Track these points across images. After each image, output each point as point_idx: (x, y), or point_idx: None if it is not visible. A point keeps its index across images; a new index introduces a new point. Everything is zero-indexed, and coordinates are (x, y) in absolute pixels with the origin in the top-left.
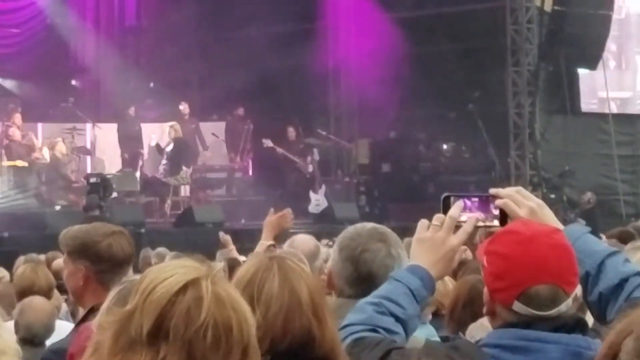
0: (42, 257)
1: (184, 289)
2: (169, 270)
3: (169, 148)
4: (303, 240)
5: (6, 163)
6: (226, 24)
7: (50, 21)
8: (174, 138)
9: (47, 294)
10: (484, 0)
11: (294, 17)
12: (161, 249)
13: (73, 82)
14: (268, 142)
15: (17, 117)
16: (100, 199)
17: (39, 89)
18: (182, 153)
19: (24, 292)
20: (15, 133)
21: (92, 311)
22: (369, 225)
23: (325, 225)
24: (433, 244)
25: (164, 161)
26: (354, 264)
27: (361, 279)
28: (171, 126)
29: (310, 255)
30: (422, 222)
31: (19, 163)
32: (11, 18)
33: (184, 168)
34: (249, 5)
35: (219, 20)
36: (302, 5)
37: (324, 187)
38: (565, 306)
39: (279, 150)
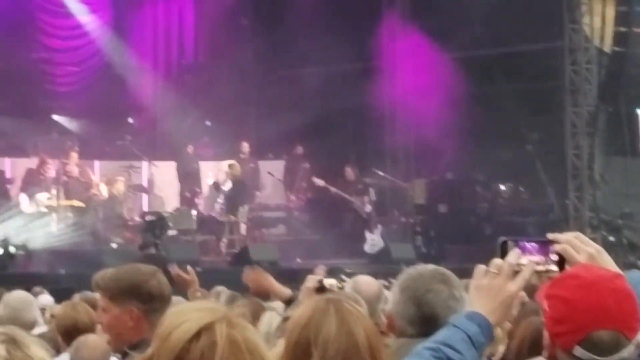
0: (98, 295)
1: (197, 335)
2: (185, 314)
3: (227, 187)
4: (366, 282)
5: (63, 202)
6: (283, 63)
7: (108, 59)
8: (233, 177)
9: (92, 330)
10: (543, 40)
11: (351, 57)
12: (220, 288)
13: (130, 120)
14: (320, 182)
15: (74, 155)
16: (156, 237)
17: (96, 127)
18: (240, 192)
19: (67, 332)
20: (73, 170)
21: (134, 348)
22: (430, 266)
23: (381, 266)
24: (491, 291)
25: (220, 200)
26: (417, 305)
27: (424, 319)
28: (230, 165)
29: (374, 298)
30: (480, 268)
31: (76, 203)
32: (70, 56)
33: (241, 207)
34: (306, 45)
35: (277, 59)
36: (359, 44)
37: (380, 227)
38: (627, 352)
39: (332, 189)
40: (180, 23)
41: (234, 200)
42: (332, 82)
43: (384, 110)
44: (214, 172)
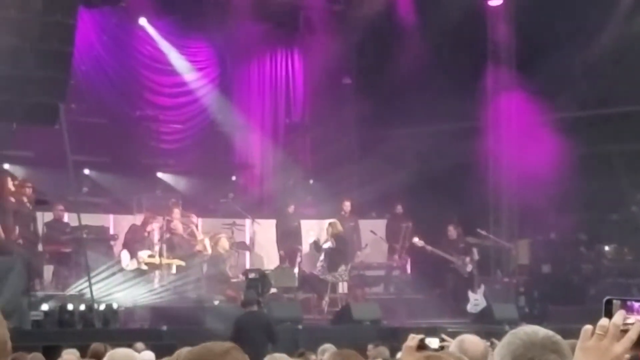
0: None
1: None
2: None
3: (327, 245)
4: (473, 342)
5: (165, 261)
6: (386, 122)
7: (213, 117)
8: (333, 235)
9: None
10: None
11: (454, 116)
12: (327, 345)
13: (233, 178)
14: (419, 242)
15: (177, 212)
16: (258, 295)
17: (200, 184)
18: (340, 251)
19: None
20: (178, 227)
21: None
22: (541, 332)
23: (483, 326)
24: (597, 352)
25: (321, 258)
26: None
27: None
28: (330, 223)
29: (480, 358)
30: (586, 329)
31: (177, 262)
32: (176, 114)
33: (342, 266)
34: (410, 104)
35: (380, 118)
36: (462, 104)
37: (482, 286)
38: None
39: (428, 248)
40: (286, 82)
41: (334, 259)
42: (436, 141)
43: (487, 169)
44: (316, 231)
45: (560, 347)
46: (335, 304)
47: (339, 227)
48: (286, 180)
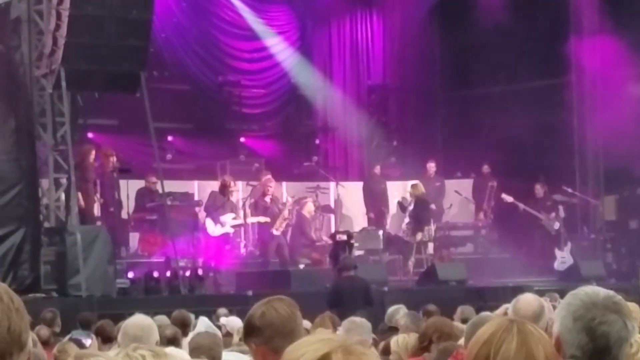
0: None
1: None
2: (302, 347)
3: (411, 207)
4: (527, 302)
5: (251, 219)
6: (470, 82)
7: (295, 81)
8: (415, 197)
9: None
10: None
11: (538, 74)
12: (399, 307)
13: (317, 141)
14: (508, 198)
15: (269, 179)
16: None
17: (284, 149)
18: (423, 212)
19: None
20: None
21: None
22: (602, 293)
23: (570, 283)
24: None
25: (406, 219)
26: (590, 335)
27: (597, 350)
28: (412, 185)
29: (534, 317)
30: None
31: (262, 219)
32: (257, 79)
33: (425, 227)
34: (493, 63)
35: (463, 78)
36: (547, 61)
37: (569, 244)
38: None
39: (520, 206)
40: (366, 44)
41: (418, 220)
42: (520, 99)
43: (572, 126)
44: (401, 192)
45: (621, 307)
46: (421, 265)
47: (421, 189)
48: (369, 141)
